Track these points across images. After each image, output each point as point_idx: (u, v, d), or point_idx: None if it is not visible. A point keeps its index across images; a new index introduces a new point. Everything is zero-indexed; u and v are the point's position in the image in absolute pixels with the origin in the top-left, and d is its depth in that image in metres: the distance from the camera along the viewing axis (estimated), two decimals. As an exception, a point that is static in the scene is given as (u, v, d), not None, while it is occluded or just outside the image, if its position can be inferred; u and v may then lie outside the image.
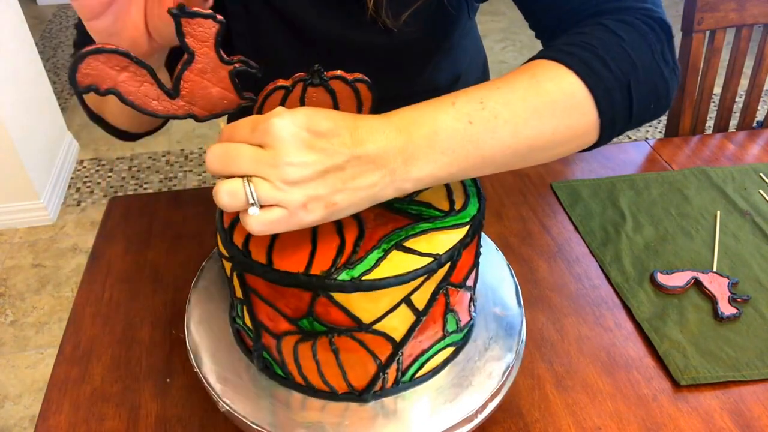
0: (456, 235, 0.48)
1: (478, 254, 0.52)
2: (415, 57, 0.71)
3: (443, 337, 0.52)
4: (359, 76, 0.53)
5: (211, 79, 0.43)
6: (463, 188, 0.53)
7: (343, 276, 0.44)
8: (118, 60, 0.40)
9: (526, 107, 0.45)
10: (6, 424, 1.43)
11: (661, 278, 0.71)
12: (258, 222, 0.40)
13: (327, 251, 0.46)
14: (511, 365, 0.54)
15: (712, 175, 0.89)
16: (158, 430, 0.57)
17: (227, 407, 0.50)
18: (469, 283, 0.52)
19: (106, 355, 0.64)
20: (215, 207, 0.50)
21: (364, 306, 0.45)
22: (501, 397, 0.52)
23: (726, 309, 0.67)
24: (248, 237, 0.47)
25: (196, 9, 0.40)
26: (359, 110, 0.55)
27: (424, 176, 0.43)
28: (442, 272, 0.46)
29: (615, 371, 0.63)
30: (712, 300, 0.69)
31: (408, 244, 0.47)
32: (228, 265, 0.50)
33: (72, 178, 2.23)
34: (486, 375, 0.53)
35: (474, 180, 0.54)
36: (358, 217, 0.49)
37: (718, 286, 0.70)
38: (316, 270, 0.44)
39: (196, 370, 0.53)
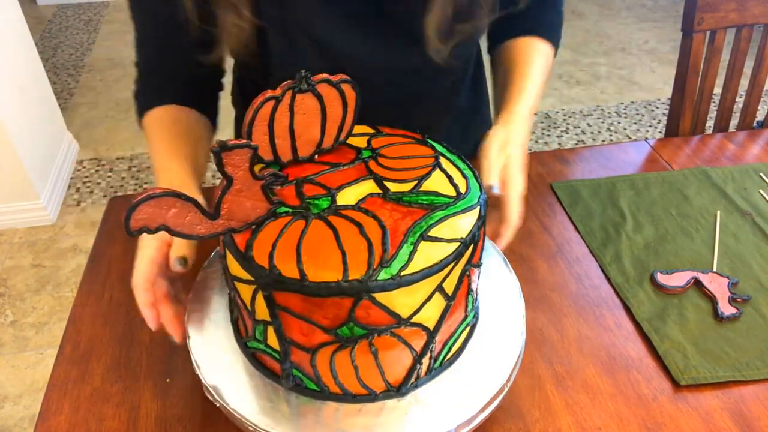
0: (471, 217, 0.49)
1: (484, 233, 0.54)
2: (438, 72, 0.79)
3: (465, 318, 0.53)
4: (343, 77, 0.53)
5: (246, 194, 0.47)
6: (460, 172, 0.55)
7: (383, 275, 0.44)
8: (167, 201, 0.43)
9: (545, 77, 0.79)
10: (6, 424, 1.43)
11: (661, 278, 0.71)
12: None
13: (358, 254, 0.46)
14: (523, 331, 0.56)
15: (712, 175, 0.89)
16: (158, 430, 0.57)
17: None
18: (481, 260, 0.54)
19: (106, 355, 0.64)
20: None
21: (402, 301, 0.45)
22: (519, 366, 0.54)
23: (726, 309, 0.67)
24: (272, 255, 0.46)
25: (232, 142, 0.43)
26: (345, 109, 0.55)
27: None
28: (467, 255, 0.48)
29: (615, 371, 0.63)
30: (712, 300, 0.69)
31: (432, 233, 0.48)
32: (247, 289, 0.48)
33: (72, 178, 2.23)
34: (504, 344, 0.55)
35: (467, 164, 0.56)
36: (375, 217, 0.49)
37: (718, 286, 0.70)
38: (354, 275, 0.44)
39: (222, 404, 0.51)
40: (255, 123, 0.50)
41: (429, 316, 0.48)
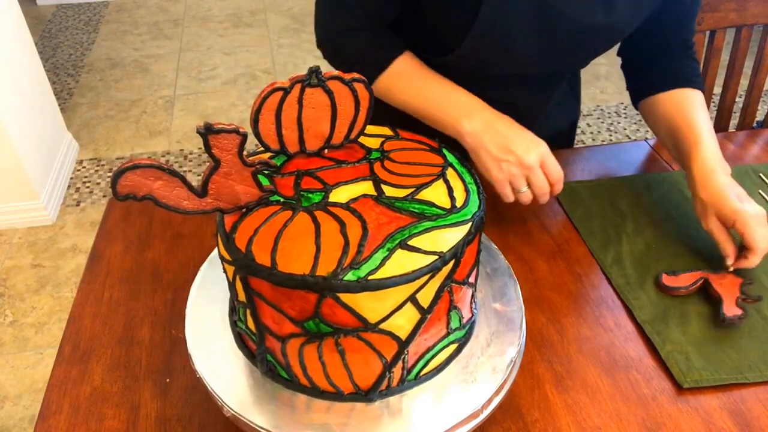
0: (459, 233, 0.48)
1: (479, 251, 0.53)
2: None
3: (447, 335, 0.52)
4: (356, 76, 0.53)
5: (236, 179, 0.48)
6: (463, 186, 0.53)
7: (349, 276, 0.44)
8: (153, 172, 0.44)
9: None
10: (5, 424, 1.43)
11: (667, 279, 0.71)
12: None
13: (332, 252, 0.46)
14: (514, 359, 0.54)
15: (712, 175, 0.89)
16: (158, 430, 0.57)
17: (233, 412, 0.50)
18: (471, 279, 0.52)
19: (105, 355, 0.64)
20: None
21: (370, 306, 0.45)
22: (502, 395, 0.52)
23: (729, 311, 0.67)
24: (251, 240, 0.47)
25: (220, 126, 0.44)
26: (357, 109, 0.55)
27: None
28: (446, 269, 0.47)
29: (615, 371, 0.63)
30: (716, 301, 0.69)
31: (412, 242, 0.47)
32: (230, 269, 0.49)
33: (71, 178, 2.23)
34: (490, 370, 0.53)
35: (474, 178, 0.55)
36: (360, 217, 0.49)
37: (729, 285, 0.69)
38: (321, 271, 0.44)
39: (200, 375, 0.52)
40: (262, 112, 0.51)
41: (400, 325, 0.47)
